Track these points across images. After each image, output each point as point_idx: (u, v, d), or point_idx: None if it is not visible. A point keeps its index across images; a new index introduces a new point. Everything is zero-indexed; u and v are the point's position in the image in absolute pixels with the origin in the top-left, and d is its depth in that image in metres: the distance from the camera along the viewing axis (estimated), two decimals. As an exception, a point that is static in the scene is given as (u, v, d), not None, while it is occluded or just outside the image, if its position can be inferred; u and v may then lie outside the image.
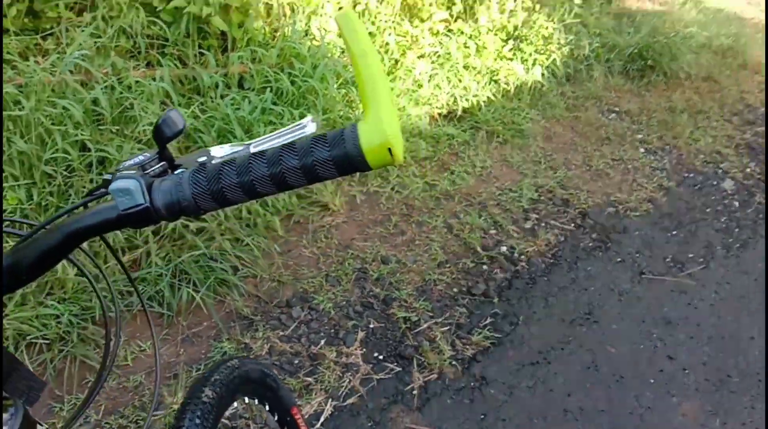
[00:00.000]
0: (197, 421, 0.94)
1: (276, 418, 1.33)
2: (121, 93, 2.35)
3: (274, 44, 2.92)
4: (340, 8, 3.48)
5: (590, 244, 2.78)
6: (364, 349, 2.12)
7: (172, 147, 0.60)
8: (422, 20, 3.66)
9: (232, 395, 1.10)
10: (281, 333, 2.14)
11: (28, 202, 2.02)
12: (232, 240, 2.37)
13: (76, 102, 2.17)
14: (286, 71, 2.83)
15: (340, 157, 0.50)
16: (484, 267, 2.57)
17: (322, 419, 1.86)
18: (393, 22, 3.56)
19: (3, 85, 2.04)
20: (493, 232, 2.78)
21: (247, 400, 1.19)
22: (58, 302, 1.95)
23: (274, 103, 2.69)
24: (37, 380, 0.63)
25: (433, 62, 3.56)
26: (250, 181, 0.51)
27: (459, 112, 3.52)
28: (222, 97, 2.62)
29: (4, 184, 1.98)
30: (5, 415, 0.57)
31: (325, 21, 3.24)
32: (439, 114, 3.49)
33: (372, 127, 0.49)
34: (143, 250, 2.19)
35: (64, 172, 2.13)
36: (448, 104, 3.50)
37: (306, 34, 3.11)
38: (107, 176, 0.55)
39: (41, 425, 0.62)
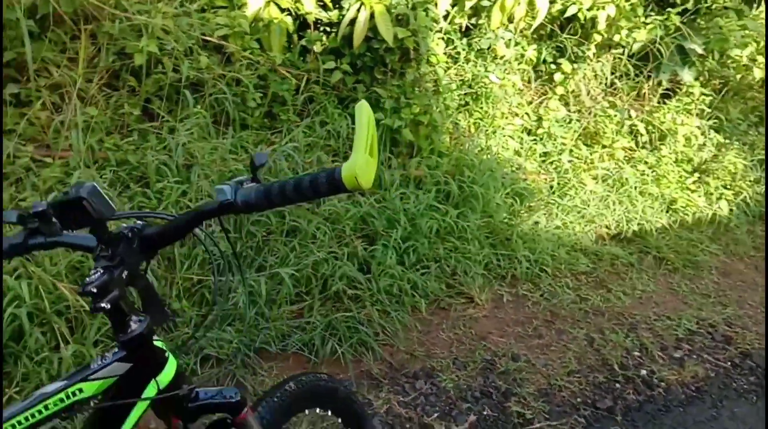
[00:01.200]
0: (274, 401, 1.25)
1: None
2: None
3: (450, 154, 3.36)
4: (524, 131, 3.85)
5: (744, 386, 2.59)
6: (471, 430, 2.26)
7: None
8: (602, 146, 3.85)
9: (313, 400, 1.39)
10: (401, 398, 2.39)
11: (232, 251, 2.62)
12: (381, 311, 2.72)
13: (282, 182, 2.80)
14: (457, 177, 3.23)
15: (332, 181, 0.82)
16: (617, 385, 2.55)
17: (415, 479, 2.04)
18: (573, 145, 3.81)
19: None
20: (636, 354, 2.74)
21: (330, 413, 1.47)
22: (235, 331, 2.47)
23: (440, 202, 3.09)
24: (167, 313, 1.02)
25: (606, 184, 3.70)
26: (280, 192, 0.86)
27: (628, 234, 3.56)
28: (400, 193, 3.09)
29: (217, 236, 2.61)
30: (135, 318, 0.95)
31: (503, 140, 3.63)
32: (607, 233, 3.57)
33: (349, 165, 0.81)
34: (308, 304, 2.65)
35: (263, 232, 2.72)
36: (617, 225, 3.57)
37: (481, 149, 3.51)
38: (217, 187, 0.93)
39: (158, 338, 1.00)
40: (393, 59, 3.25)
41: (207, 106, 2.95)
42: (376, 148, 0.84)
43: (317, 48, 3.34)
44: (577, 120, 3.92)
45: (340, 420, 1.51)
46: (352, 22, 3.14)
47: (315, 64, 3.29)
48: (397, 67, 3.32)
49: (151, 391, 0.98)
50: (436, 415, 2.32)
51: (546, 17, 3.87)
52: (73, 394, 0.95)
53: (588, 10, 3.73)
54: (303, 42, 3.32)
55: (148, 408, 1.01)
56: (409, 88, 3.30)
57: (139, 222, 0.97)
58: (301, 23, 3.38)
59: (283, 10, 3.23)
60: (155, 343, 0.98)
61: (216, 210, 0.90)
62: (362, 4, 3.08)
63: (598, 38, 3.84)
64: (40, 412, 0.94)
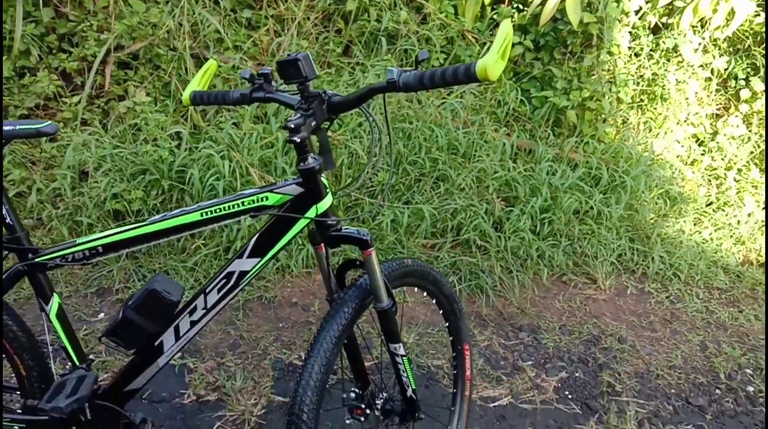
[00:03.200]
0: (393, 265, 1.57)
1: (450, 337, 1.87)
2: (477, 140, 3.22)
3: (610, 143, 3.44)
4: (695, 139, 3.78)
5: None
6: (560, 385, 2.44)
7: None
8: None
9: (423, 282, 1.70)
10: (503, 341, 2.63)
11: (387, 182, 3.00)
12: (504, 267, 2.96)
13: (444, 133, 3.11)
14: (611, 166, 3.32)
15: (467, 72, 1.10)
16: (717, 391, 2.56)
17: (497, 403, 2.28)
18: (744, 166, 3.68)
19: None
20: (749, 372, 2.70)
21: (434, 302, 1.76)
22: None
23: (585, 183, 3.21)
24: (333, 163, 1.37)
25: (770, 210, 3.54)
26: (431, 77, 1.15)
27: (781, 266, 3.40)
28: (547, 166, 3.26)
29: (379, 167, 3.00)
30: (312, 155, 1.31)
31: (670, 143, 3.61)
32: (757, 259, 3.44)
33: (483, 61, 1.08)
34: (440, 243, 2.97)
35: (417, 173, 3.07)
36: (771, 253, 3.43)
37: (644, 146, 3.54)
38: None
39: (325, 176, 1.35)
40: (574, 42, 3.40)
41: (397, 56, 3.34)
42: (507, 53, 1.10)
43: (506, 23, 3.57)
44: (756, 142, 3.75)
45: (441, 311, 1.80)
46: (544, 2, 3.34)
47: (500, 37, 3.52)
48: (577, 50, 3.46)
49: (311, 213, 1.35)
50: (530, 362, 2.53)
51: (746, 30, 3.74)
52: (262, 199, 1.34)
53: (796, 28, 3.54)
54: (495, 14, 3.58)
55: (305, 229, 1.38)
56: (584, 72, 3.43)
57: (330, 92, 1.33)
58: (497, -2, 3.64)
59: (482, -17, 3.51)
60: (322, 179, 1.34)
61: (384, 86, 1.22)
62: (557, -15, 3.26)
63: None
64: (237, 205, 1.34)
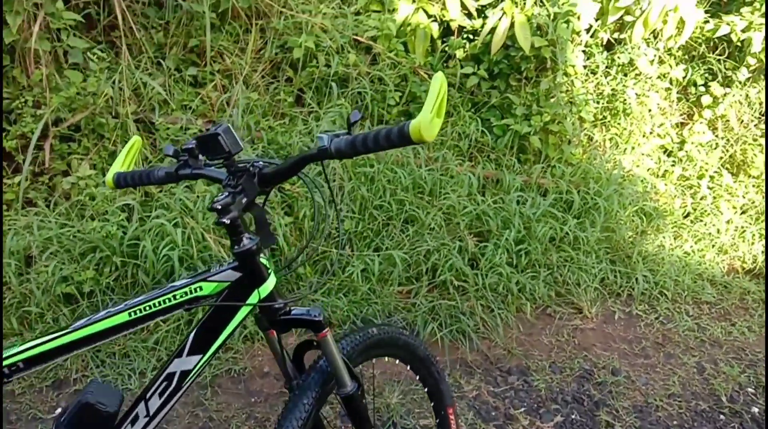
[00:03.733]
0: (357, 338, 1.43)
1: (432, 403, 1.72)
2: (442, 176, 3.11)
3: (578, 165, 3.36)
4: (663, 151, 3.73)
5: None
6: (556, 430, 2.29)
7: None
8: (749, 176, 3.62)
9: (393, 350, 1.56)
10: (492, 388, 2.48)
11: (354, 229, 2.87)
12: (484, 306, 2.83)
13: (406, 173, 3.00)
14: (581, 189, 3.23)
15: (402, 134, 0.98)
16: (721, 416, 2.43)
17: (490, 461, 2.13)
18: (715, 172, 3.63)
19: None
20: (750, 390, 2.58)
21: (408, 368, 1.63)
22: (348, 302, 2.70)
23: (560, 210, 3.11)
24: (273, 238, 1.24)
25: (747, 215, 3.47)
26: (363, 142, 1.02)
27: (764, 270, 3.32)
28: (517, 196, 3.16)
29: (344, 216, 2.87)
30: (247, 236, 1.18)
31: (639, 158, 3.55)
32: (741, 267, 3.35)
33: (416, 121, 0.96)
34: (415, 288, 2.83)
35: (384, 217, 2.95)
36: (753, 259, 3.34)
37: (613, 164, 3.47)
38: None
39: (264, 257, 1.22)
40: (528, 68, 3.34)
41: (350, 100, 3.24)
42: (443, 110, 0.99)
43: (459, 54, 3.52)
44: (724, 147, 3.71)
45: (418, 377, 1.66)
46: (493, 30, 3.28)
47: (454, 69, 3.47)
48: (533, 75, 3.40)
49: (253, 298, 1.21)
50: (523, 409, 2.38)
51: (699, 37, 3.73)
52: (195, 290, 1.20)
53: (742, 31, 3.53)
54: (445, 47, 3.52)
55: (248, 315, 1.24)
56: (542, 96, 3.36)
57: (259, 162, 1.20)
58: (445, 29, 3.58)
59: (429, 17, 3.45)
60: (261, 260, 1.21)
61: (316, 154, 1.09)
62: (504, 13, 3.21)
63: (752, 62, 3.62)
64: (168, 300, 1.20)
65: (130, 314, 1.19)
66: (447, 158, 3.23)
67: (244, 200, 1.17)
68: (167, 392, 1.25)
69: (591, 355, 2.71)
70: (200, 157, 1.29)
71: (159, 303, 1.19)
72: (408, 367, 1.62)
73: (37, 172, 2.85)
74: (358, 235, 2.89)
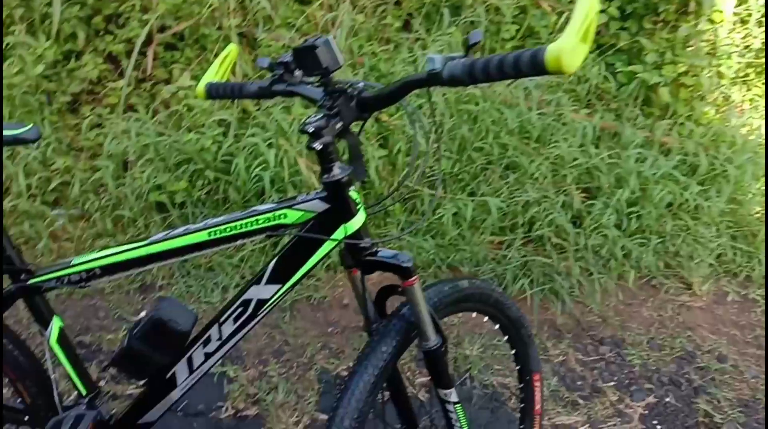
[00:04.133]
0: (445, 289, 1.29)
1: (516, 366, 1.58)
2: (553, 121, 2.85)
3: (709, 125, 2.98)
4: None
5: None
6: (647, 412, 2.10)
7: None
8: None
9: (482, 306, 1.41)
10: (580, 356, 2.30)
11: (450, 171, 2.70)
12: (583, 269, 2.61)
13: (514, 115, 2.76)
14: (710, 153, 2.87)
15: (534, 61, 0.78)
16: (844, 426, 2.14)
17: (571, 433, 1.98)
18: None
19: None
20: None
21: (497, 327, 1.48)
22: (435, 245, 2.57)
23: (682, 174, 2.79)
24: (365, 172, 1.10)
25: None
26: (484, 68, 0.84)
27: None
28: (636, 153, 2.85)
29: (441, 155, 2.70)
30: (339, 165, 1.04)
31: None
32: None
33: (555, 46, 0.77)
34: (509, 240, 2.65)
35: (483, 161, 2.75)
36: None
37: (750, 129, 3.05)
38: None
39: (354, 190, 1.08)
40: (668, 9, 2.94)
41: (461, 29, 3.00)
42: (591, 35, 0.79)
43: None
44: None
45: (506, 338, 1.51)
46: (634, -39, 2.89)
47: (581, 4, 3.11)
48: (671, 18, 3.00)
49: (339, 234, 1.09)
50: (612, 383, 2.19)
51: None
52: (279, 217, 1.09)
53: None
54: (575, -22, 3.16)
55: (332, 251, 1.13)
56: (679, 44, 2.97)
57: (360, 84, 1.05)
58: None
59: (562, -58, 3.09)
60: (351, 193, 1.08)
61: (425, 79, 0.92)
62: (650, -57, 2.81)
63: None
64: (250, 224, 1.11)
65: (210, 234, 1.12)
66: (561, 103, 2.94)
67: (339, 125, 1.03)
68: (242, 318, 1.18)
69: (696, 337, 2.45)
70: (296, 73, 1.16)
71: (240, 226, 1.11)
72: (497, 326, 1.48)
73: (141, 78, 2.85)
74: (453, 177, 2.72)
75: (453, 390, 1.24)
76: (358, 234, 1.10)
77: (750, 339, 2.48)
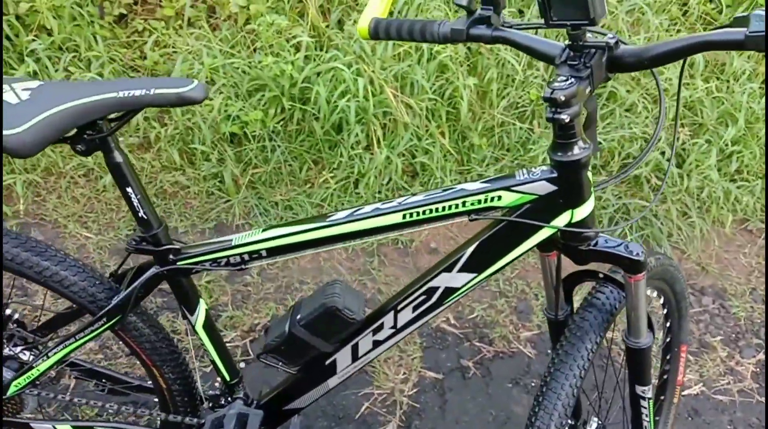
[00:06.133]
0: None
1: (667, 338, 1.46)
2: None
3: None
4: None
5: None
6: (758, 370, 2.02)
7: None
8: None
9: (661, 283, 1.26)
10: (683, 308, 2.19)
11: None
12: (680, 211, 2.45)
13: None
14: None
15: None
16: None
17: (687, 392, 1.90)
18: None
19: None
20: None
21: (656, 295, 1.33)
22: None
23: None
24: (599, 146, 0.91)
25: None
26: None
27: None
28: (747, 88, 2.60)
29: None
30: (580, 142, 0.86)
31: None
32: None
33: None
34: (601, 178, 2.47)
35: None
36: None
37: None
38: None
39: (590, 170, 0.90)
40: None
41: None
42: None
43: None
44: None
45: (664, 311, 1.38)
46: None
47: None
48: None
49: (561, 220, 0.92)
50: (719, 338, 2.10)
51: None
52: (492, 199, 0.92)
53: None
54: None
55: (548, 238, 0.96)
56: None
57: (613, 37, 0.84)
58: None
59: None
60: (587, 174, 0.89)
61: (739, 41, 0.72)
62: None
63: None
64: (455, 207, 0.93)
65: (404, 216, 0.95)
66: (663, 26, 2.66)
67: (588, 90, 0.83)
68: (423, 307, 1.04)
69: (798, 287, 2.34)
70: (504, 15, 0.94)
71: (443, 208, 0.93)
72: (661, 300, 1.34)
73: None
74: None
75: (650, 387, 1.12)
76: (584, 221, 0.93)
77: None
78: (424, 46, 2.37)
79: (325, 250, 2.21)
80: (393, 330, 1.06)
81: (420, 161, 2.36)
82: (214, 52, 2.37)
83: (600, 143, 0.92)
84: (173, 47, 2.41)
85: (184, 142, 2.35)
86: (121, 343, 1.14)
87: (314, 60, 2.34)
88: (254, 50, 2.44)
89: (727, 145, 2.50)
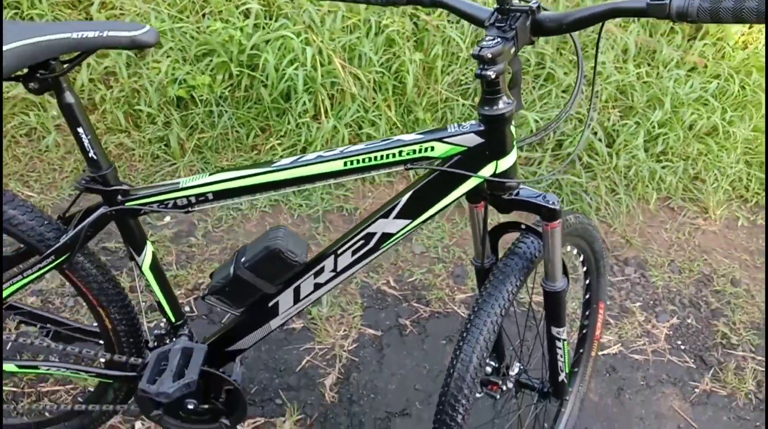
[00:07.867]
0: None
1: (586, 295, 1.59)
2: (592, 32, 2.72)
3: (742, 49, 2.93)
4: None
5: None
6: (671, 333, 2.20)
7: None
8: None
9: (579, 240, 1.38)
10: (608, 276, 2.35)
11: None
12: (609, 189, 2.61)
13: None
14: (741, 77, 2.84)
15: None
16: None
17: (606, 351, 2.06)
18: None
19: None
20: None
21: (576, 253, 1.45)
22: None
23: (713, 97, 2.76)
24: (521, 104, 1.00)
25: None
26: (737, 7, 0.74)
27: None
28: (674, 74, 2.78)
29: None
30: (504, 97, 0.96)
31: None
32: None
33: None
34: (539, 157, 2.61)
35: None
36: None
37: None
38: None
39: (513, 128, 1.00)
40: None
41: None
42: None
43: None
44: None
45: (584, 269, 1.50)
46: None
47: None
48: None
49: (487, 171, 1.01)
50: (639, 304, 2.27)
51: None
52: (425, 149, 1.00)
53: None
54: None
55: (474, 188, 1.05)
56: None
57: (534, 2, 0.93)
58: None
59: None
60: (511, 128, 0.99)
61: (641, 9, 0.81)
62: None
63: None
64: (392, 155, 1.01)
65: (345, 163, 1.02)
66: None
67: (513, 50, 0.92)
68: (361, 252, 1.11)
69: (711, 260, 2.54)
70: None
71: (381, 157, 1.01)
72: (580, 258, 1.46)
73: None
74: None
75: (564, 329, 1.23)
76: (507, 173, 1.02)
77: (759, 264, 2.59)
78: (372, 19, 2.44)
79: (270, 214, 2.26)
80: (333, 273, 1.14)
81: (366, 132, 2.43)
82: (162, 16, 2.37)
83: (523, 104, 1.00)
84: (120, 9, 2.39)
85: (130, 104, 2.35)
86: (64, 298, 1.17)
87: (263, 28, 2.37)
88: (203, 15, 2.45)
89: (654, 127, 2.67)
